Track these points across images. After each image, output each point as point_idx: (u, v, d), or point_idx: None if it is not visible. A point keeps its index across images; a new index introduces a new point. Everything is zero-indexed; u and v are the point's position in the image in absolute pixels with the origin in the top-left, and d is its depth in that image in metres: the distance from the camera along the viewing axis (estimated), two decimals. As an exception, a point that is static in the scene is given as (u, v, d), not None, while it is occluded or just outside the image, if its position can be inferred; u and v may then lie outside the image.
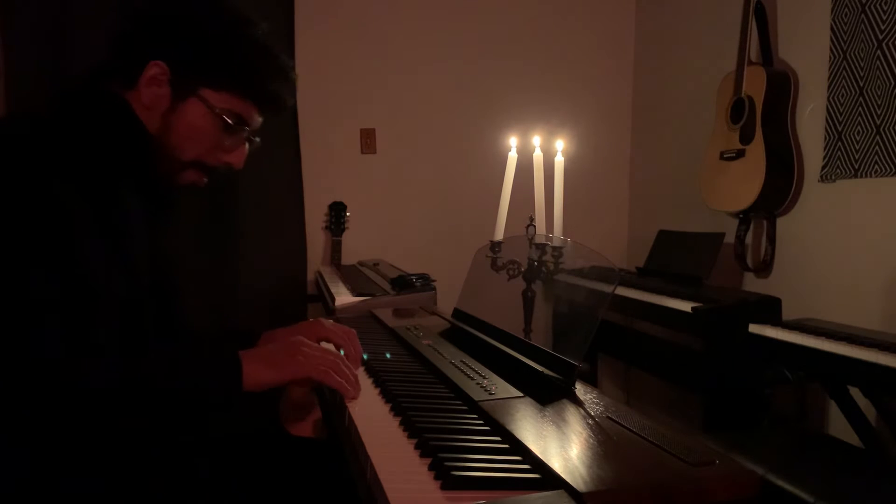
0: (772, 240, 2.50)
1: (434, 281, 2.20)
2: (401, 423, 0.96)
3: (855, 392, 1.94)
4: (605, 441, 0.86)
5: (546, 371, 1.12)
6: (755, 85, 2.40)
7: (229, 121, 1.10)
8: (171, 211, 1.18)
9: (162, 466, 1.05)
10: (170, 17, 1.09)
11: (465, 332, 1.49)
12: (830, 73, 2.26)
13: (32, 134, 1.00)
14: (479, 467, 0.78)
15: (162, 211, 1.17)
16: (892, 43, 2.04)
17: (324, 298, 2.44)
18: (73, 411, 0.89)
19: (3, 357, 0.88)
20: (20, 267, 0.90)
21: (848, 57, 2.19)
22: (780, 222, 2.49)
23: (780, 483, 1.48)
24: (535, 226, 1.44)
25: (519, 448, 0.85)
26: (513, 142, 1.63)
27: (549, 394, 1.05)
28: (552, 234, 1.42)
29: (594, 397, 1.04)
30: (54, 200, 0.94)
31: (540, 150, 1.53)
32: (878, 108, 2.09)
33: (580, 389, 1.07)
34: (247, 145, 1.16)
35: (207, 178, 1.16)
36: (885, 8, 2.06)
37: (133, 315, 1.06)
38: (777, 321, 2.04)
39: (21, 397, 0.87)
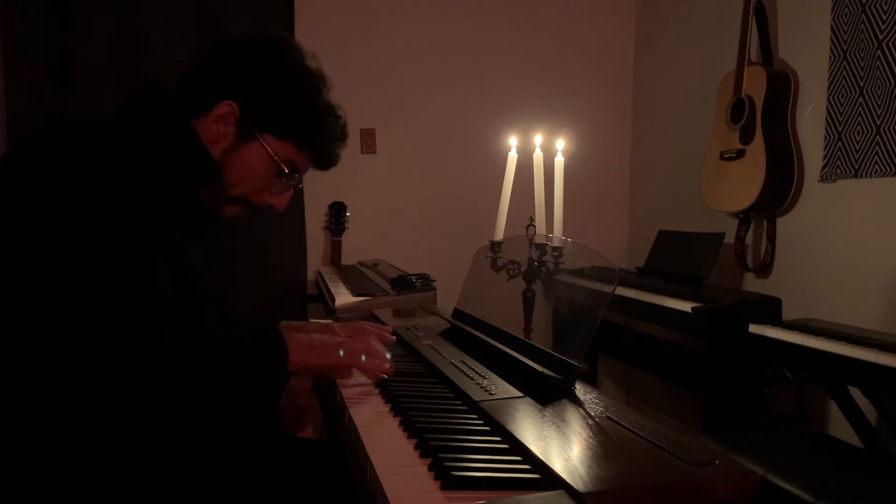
0: (772, 240, 2.50)
1: (434, 281, 2.20)
2: (401, 424, 0.96)
3: (855, 392, 1.94)
4: (605, 441, 0.86)
5: (546, 371, 1.12)
6: (755, 85, 2.40)
7: (285, 168, 1.15)
8: (204, 237, 1.23)
9: (163, 465, 1.05)
10: (250, 62, 1.12)
11: (465, 332, 1.49)
12: (830, 73, 2.26)
13: (109, 146, 1.01)
14: (478, 467, 0.78)
15: (197, 236, 1.21)
16: (892, 43, 2.04)
17: (324, 298, 2.44)
18: (139, 396, 0.90)
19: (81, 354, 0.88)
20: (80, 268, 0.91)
21: (848, 57, 2.19)
22: (780, 222, 2.49)
23: (780, 483, 1.48)
24: (535, 226, 1.44)
25: (519, 448, 0.85)
26: (513, 141, 1.63)
27: (549, 394, 1.05)
28: (552, 234, 1.42)
29: (594, 397, 1.04)
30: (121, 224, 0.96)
31: (540, 149, 1.53)
32: (878, 108, 2.09)
33: (580, 389, 1.07)
34: (291, 191, 1.21)
35: (249, 215, 1.20)
36: (885, 8, 2.06)
37: (178, 320, 1.09)
38: (777, 321, 2.04)
39: (97, 388, 0.88)
